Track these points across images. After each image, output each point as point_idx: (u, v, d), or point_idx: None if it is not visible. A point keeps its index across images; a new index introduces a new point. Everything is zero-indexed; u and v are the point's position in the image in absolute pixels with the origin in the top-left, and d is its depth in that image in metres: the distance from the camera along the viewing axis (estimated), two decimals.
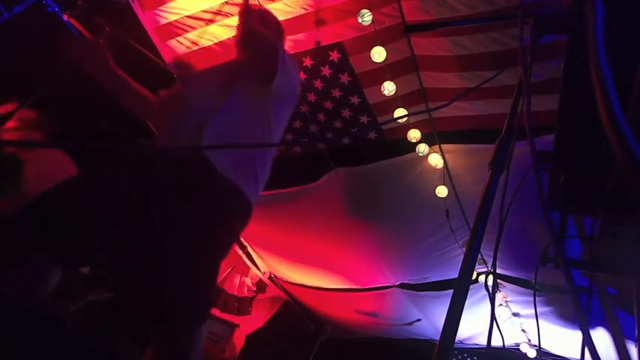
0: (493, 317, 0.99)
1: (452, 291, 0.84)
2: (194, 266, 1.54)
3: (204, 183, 1.63)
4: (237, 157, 1.76)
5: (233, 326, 4.42)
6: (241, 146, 1.82)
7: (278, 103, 1.96)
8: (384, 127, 3.55)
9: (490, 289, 1.11)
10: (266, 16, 2.22)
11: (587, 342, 0.67)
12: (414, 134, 3.42)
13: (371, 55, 2.95)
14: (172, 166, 1.62)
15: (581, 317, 0.63)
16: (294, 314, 6.22)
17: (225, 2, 2.87)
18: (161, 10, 3.00)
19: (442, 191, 3.70)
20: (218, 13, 2.93)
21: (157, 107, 2.12)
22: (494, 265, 1.04)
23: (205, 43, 3.14)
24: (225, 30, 3.03)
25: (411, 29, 2.58)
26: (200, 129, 1.74)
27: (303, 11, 2.85)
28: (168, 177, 1.60)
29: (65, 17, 2.93)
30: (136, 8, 3.00)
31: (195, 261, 1.54)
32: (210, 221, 1.61)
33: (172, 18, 3.02)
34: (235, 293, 5.48)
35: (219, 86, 1.93)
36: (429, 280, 4.87)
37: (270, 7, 2.72)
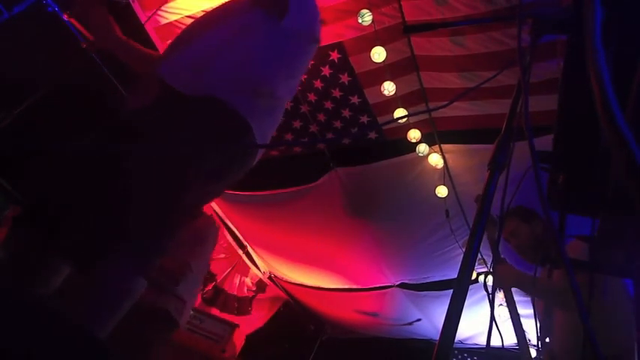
0: (492, 317, 0.99)
1: (452, 291, 0.84)
2: (171, 186, 1.41)
3: (188, 103, 1.52)
4: (233, 75, 1.60)
5: (233, 326, 4.42)
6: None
7: (293, 42, 1.76)
8: (384, 127, 3.55)
9: (489, 289, 1.12)
10: None
11: (589, 341, 0.67)
12: (414, 134, 3.43)
13: (371, 55, 2.95)
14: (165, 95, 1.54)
15: (582, 316, 0.63)
16: (294, 314, 6.23)
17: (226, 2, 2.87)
18: (162, 11, 3.00)
19: (442, 191, 3.70)
20: None
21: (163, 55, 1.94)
22: (493, 265, 1.04)
23: None
24: None
25: (410, 29, 2.58)
26: (189, 53, 1.62)
27: None
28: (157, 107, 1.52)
29: (65, 17, 2.93)
30: (136, 8, 3.00)
31: (173, 183, 1.42)
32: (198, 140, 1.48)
33: (173, 18, 3.02)
34: (235, 293, 5.49)
35: (222, 18, 1.77)
36: (429, 280, 4.88)
37: None
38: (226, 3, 1.93)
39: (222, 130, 1.55)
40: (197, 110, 1.52)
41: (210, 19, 1.80)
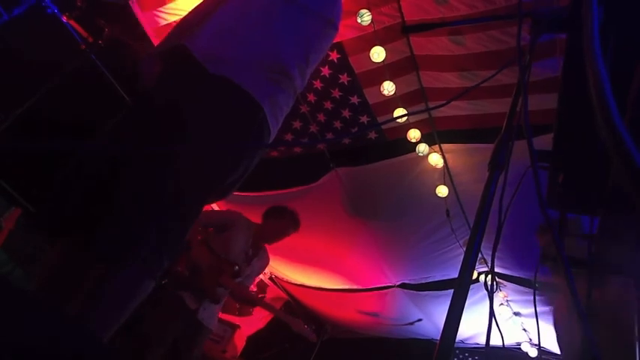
0: (492, 316, 0.99)
1: (452, 290, 0.84)
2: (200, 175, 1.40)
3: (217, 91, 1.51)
4: (251, 62, 1.58)
5: (234, 327, 4.42)
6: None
7: (309, 22, 1.74)
8: (383, 127, 3.55)
9: (489, 288, 1.11)
10: None
11: (589, 341, 0.67)
12: (413, 134, 3.42)
13: (370, 54, 2.94)
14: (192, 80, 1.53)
15: (581, 317, 0.63)
16: (294, 314, 6.22)
17: None
18: (160, 12, 3.00)
19: (442, 191, 3.70)
20: None
21: None
22: (492, 265, 1.04)
23: None
24: None
25: (409, 29, 2.58)
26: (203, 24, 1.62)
27: None
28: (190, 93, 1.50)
29: (64, 19, 2.93)
30: (136, 9, 3.00)
31: (202, 173, 1.41)
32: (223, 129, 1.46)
33: (172, 19, 3.01)
34: None
35: None
36: (429, 280, 4.88)
37: None
38: None
39: (237, 116, 1.53)
40: (214, 92, 1.51)
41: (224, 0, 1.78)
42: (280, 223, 3.35)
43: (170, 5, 2.96)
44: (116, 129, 1.55)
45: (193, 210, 1.46)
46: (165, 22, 3.05)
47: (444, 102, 1.32)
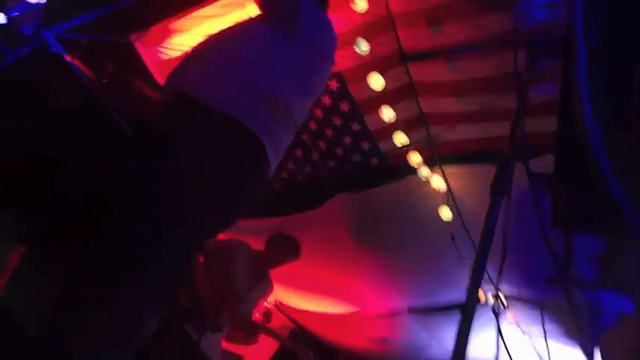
0: (500, 336, 0.99)
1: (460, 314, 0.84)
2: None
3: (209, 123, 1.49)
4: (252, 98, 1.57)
5: (238, 357, 4.35)
6: None
7: (305, 58, 1.74)
8: (385, 154, 3.57)
9: (495, 310, 1.11)
10: None
11: None
12: (415, 159, 3.44)
13: (369, 82, 2.99)
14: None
15: (585, 339, 0.64)
16: (303, 344, 6.13)
17: None
18: (163, 47, 3.06)
19: (446, 214, 3.69)
20: None
21: None
22: (497, 286, 1.05)
23: None
24: None
25: (407, 59, 2.62)
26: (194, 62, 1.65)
27: None
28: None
29: (68, 58, 2.99)
30: (138, 45, 3.06)
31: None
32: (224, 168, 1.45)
33: (174, 54, 3.07)
34: None
35: (234, 34, 1.78)
36: (437, 304, 4.82)
37: None
38: (239, 22, 1.95)
39: (236, 151, 1.53)
40: (212, 128, 1.50)
41: (222, 36, 1.81)
42: (280, 251, 3.36)
43: (172, 41, 3.02)
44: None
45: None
46: (167, 58, 3.11)
47: (444, 131, 1.34)
